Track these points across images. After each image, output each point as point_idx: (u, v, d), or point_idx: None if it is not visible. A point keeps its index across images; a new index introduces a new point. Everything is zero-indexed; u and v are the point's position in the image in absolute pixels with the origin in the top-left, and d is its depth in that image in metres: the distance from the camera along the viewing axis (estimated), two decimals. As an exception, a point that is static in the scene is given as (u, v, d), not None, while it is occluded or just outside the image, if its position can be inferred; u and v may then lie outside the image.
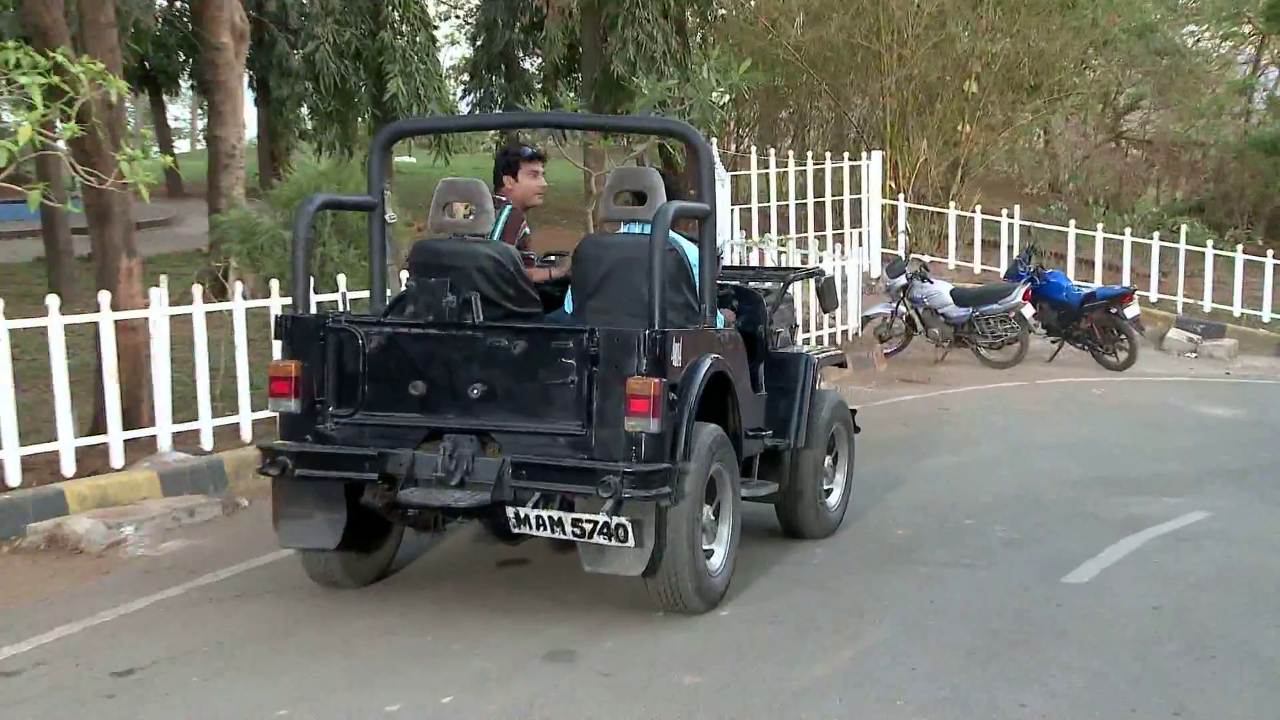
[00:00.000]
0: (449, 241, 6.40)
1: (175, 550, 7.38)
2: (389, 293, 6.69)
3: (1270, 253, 18.28)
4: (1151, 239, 18.53)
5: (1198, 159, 26.69)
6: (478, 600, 6.35)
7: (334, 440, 6.06)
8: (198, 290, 9.16)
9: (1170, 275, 18.68)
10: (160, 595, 6.50)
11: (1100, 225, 19.02)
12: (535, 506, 5.74)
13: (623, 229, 6.71)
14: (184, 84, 30.36)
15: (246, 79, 18.69)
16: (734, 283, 7.47)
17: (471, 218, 6.39)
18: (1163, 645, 5.81)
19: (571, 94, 14.45)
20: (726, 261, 13.81)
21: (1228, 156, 25.41)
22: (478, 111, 20.69)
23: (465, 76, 25.38)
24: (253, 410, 9.32)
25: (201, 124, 44.01)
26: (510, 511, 5.73)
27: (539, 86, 21.12)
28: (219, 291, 11.60)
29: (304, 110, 20.11)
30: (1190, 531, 7.92)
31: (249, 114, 24.23)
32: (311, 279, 6.82)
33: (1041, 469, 9.77)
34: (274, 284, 9.58)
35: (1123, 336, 15.35)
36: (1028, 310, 15.18)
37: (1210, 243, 18.79)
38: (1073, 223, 18.94)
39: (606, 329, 5.80)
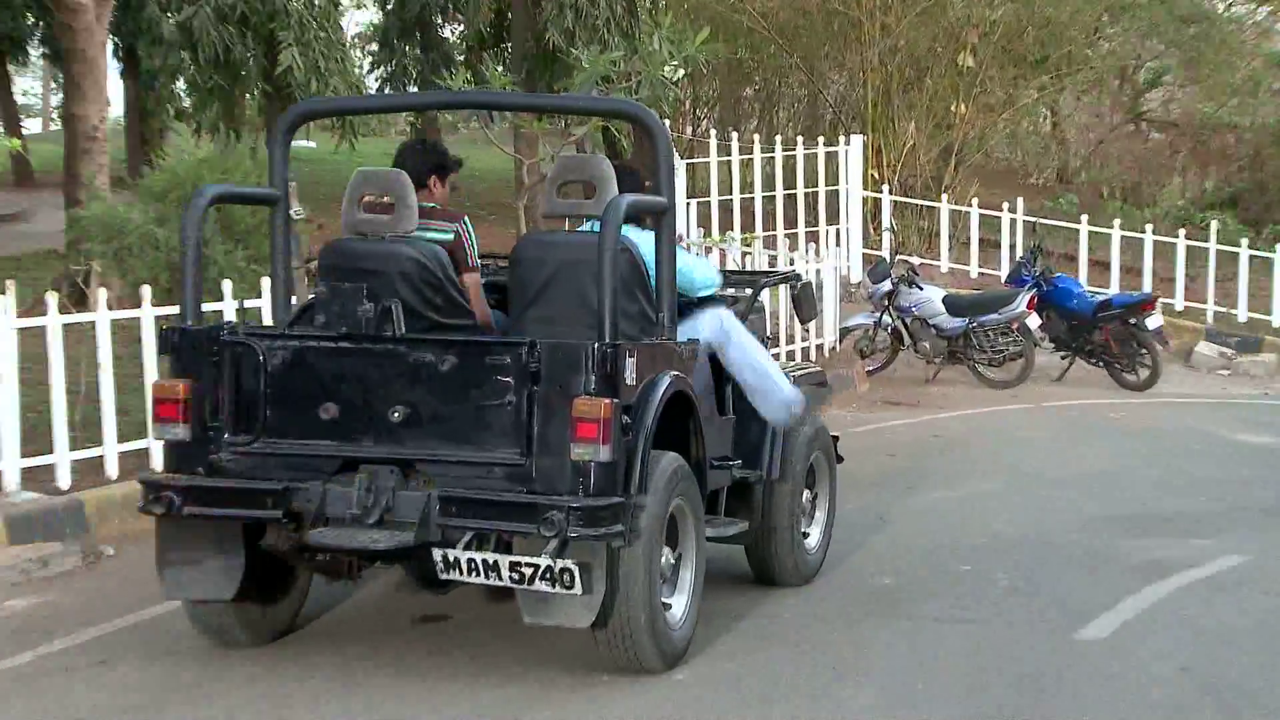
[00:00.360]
0: (365, 241, 6.44)
1: (23, 609, 7.33)
2: (294, 301, 6.76)
3: (1315, 253, 18.54)
4: (1177, 237, 18.82)
5: (1230, 144, 26.99)
6: (393, 663, 6.40)
7: (230, 472, 6.10)
8: (52, 299, 9.13)
9: (1199, 280, 18.95)
10: (4, 664, 6.45)
11: (1117, 221, 19.28)
12: (467, 548, 5.81)
13: (586, 224, 6.76)
14: (34, 52, 30.16)
15: (110, 47, 18.67)
16: None
17: (392, 214, 6.45)
18: (1192, 713, 5.91)
19: (499, 68, 14.45)
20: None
21: (1265, 140, 25.76)
22: (388, 88, 20.72)
23: (373, 46, 25.41)
24: (120, 441, 9.28)
25: (56, 100, 43.66)
26: (438, 554, 5.79)
27: (461, 59, 21.16)
28: (78, 300, 11.61)
29: (180, 85, 20.07)
30: (1223, 578, 8.03)
31: (114, 89, 24.17)
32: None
33: (1050, 506, 9.89)
34: (145, 291, 9.55)
35: (1143, 351, 15.60)
36: (1033, 321, 15.41)
37: (1245, 241, 19.07)
38: (1085, 218, 19.22)
39: (549, 342, 5.84)
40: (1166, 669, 6.43)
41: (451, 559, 5.78)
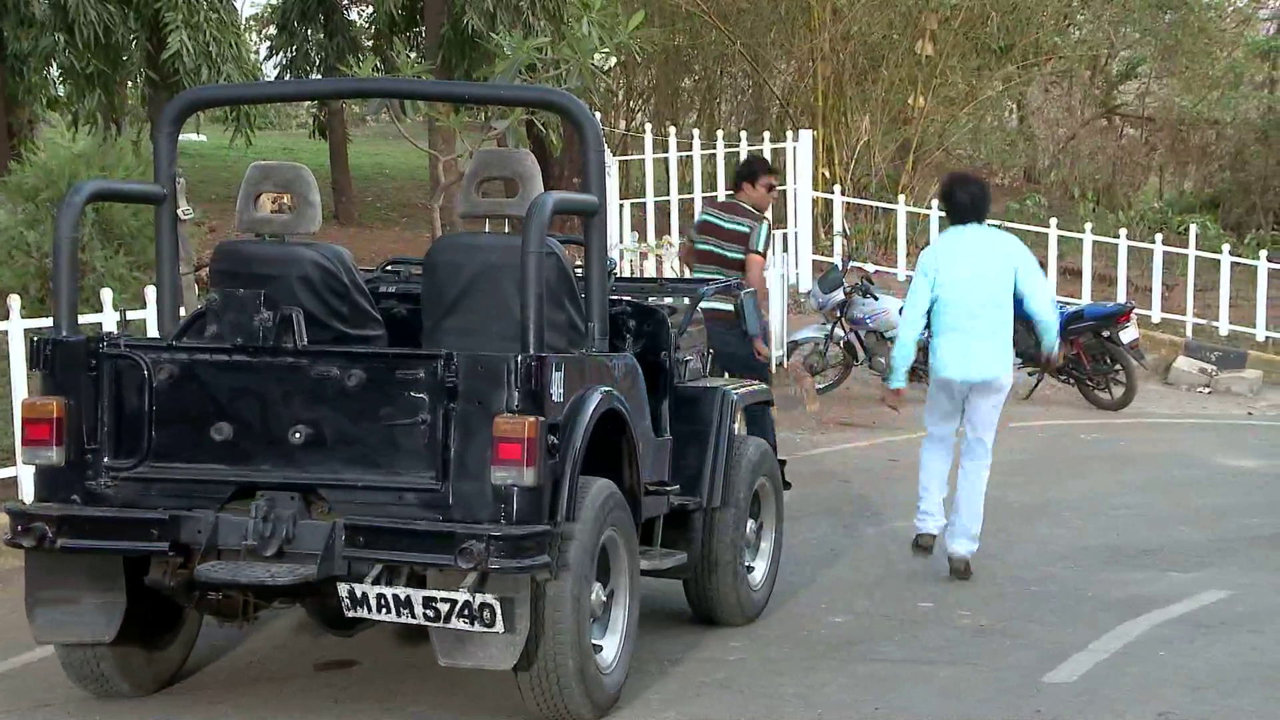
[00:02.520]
0: (263, 244, 6.43)
1: None
2: (182, 310, 6.74)
3: (1302, 260, 18.78)
4: (1153, 243, 18.98)
5: (1211, 141, 27.21)
6: (294, 714, 6.35)
7: (110, 500, 6.06)
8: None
9: (1177, 289, 19.13)
10: None
11: (1089, 225, 19.42)
12: (376, 583, 5.79)
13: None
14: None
15: (-28, 28, 18.42)
16: (630, 298, 7.56)
17: (293, 213, 6.43)
18: (1172, 761, 5.99)
19: (412, 54, 14.42)
20: (618, 272, 13.91)
21: (1248, 137, 26.02)
22: (288, 75, 20.61)
23: (271, 29, 25.25)
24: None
25: (-89, 88, 43.04)
26: (343, 590, 5.77)
27: (369, 44, 21.11)
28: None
29: (54, 71, 19.86)
30: (1206, 616, 8.10)
31: (-22, 75, 23.87)
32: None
33: (1017, 537, 9.95)
34: (14, 301, 9.47)
35: (1118, 367, 15.71)
36: (999, 334, 15.43)
37: (1227, 247, 19.27)
38: (1054, 222, 19.36)
39: (467, 354, 5.85)
40: (1144, 715, 6.47)
41: (359, 595, 5.76)
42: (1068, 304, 16.45)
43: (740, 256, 10.31)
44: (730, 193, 11.12)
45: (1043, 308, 8.90)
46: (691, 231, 11.26)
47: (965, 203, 8.78)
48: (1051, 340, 9.05)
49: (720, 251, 10.38)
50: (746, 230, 10.33)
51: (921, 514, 8.93)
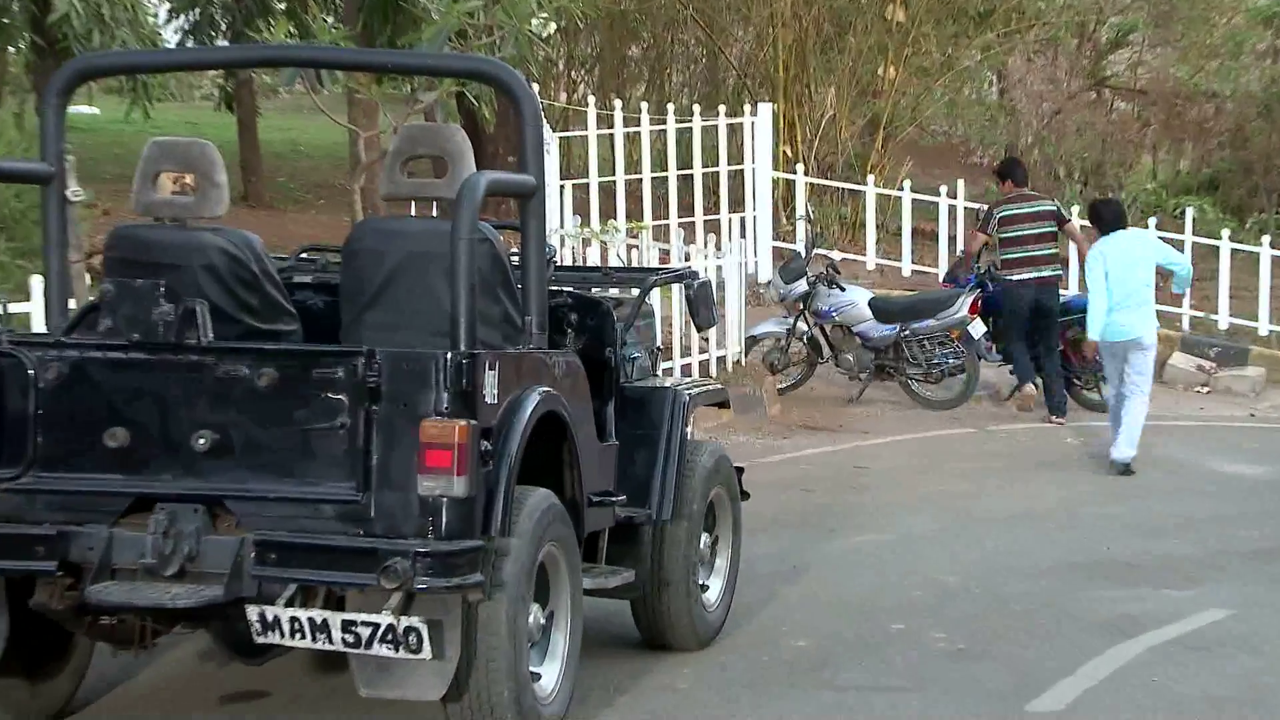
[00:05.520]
0: (163, 229, 6.40)
1: None
2: (73, 303, 6.69)
3: (1310, 246, 18.72)
4: (1146, 227, 18.94)
5: (1209, 115, 27.21)
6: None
7: (-10, 515, 6.01)
8: None
9: (1171, 278, 19.14)
10: None
11: (1076, 209, 19.45)
12: (289, 605, 5.76)
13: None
14: None
15: None
16: (571, 289, 7.55)
17: (195, 195, 6.40)
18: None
19: (329, 19, 14.28)
20: (558, 260, 13.87)
21: (1250, 112, 25.99)
22: (190, 42, 20.48)
23: (171, -9, 25.10)
24: None
25: None
26: (253, 613, 5.74)
27: (282, 7, 21.00)
28: None
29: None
30: (1203, 637, 8.14)
31: None
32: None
33: (997, 551, 9.99)
34: (-124, 293, 9.41)
35: (1108, 364, 15.79)
36: (977, 328, 15.44)
37: (1227, 233, 19.24)
38: (1039, 205, 19.38)
39: (391, 351, 5.84)
40: (1136, 747, 6.53)
41: (270, 618, 5.73)
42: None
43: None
44: None
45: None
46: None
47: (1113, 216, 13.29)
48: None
49: None
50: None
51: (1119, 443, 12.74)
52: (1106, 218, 13.29)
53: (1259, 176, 25.21)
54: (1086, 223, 14.93)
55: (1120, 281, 12.73)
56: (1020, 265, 15.00)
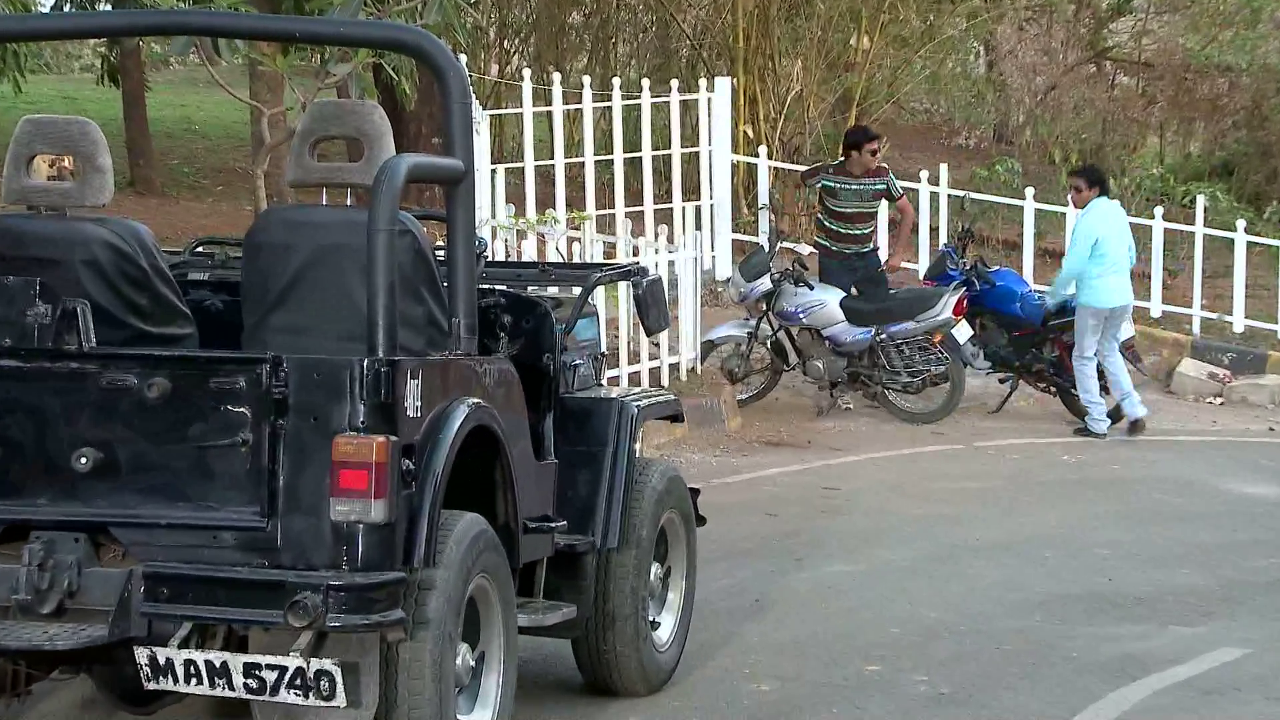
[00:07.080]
0: (38, 219, 6.36)
1: None
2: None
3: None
4: (1152, 217, 18.86)
5: (1222, 91, 27.06)
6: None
7: None
8: None
9: (1182, 275, 19.10)
10: None
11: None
12: (184, 646, 5.69)
13: None
14: None
15: None
16: (505, 288, 7.53)
17: (75, 181, 6.35)
18: None
19: (231, -20, 13.98)
20: (489, 254, 13.70)
21: (1269, 87, 25.81)
22: (69, 6, 20.23)
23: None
24: None
25: None
26: (142, 655, 5.65)
27: (175, -34, 20.81)
28: None
29: None
30: (1216, 679, 8.08)
31: None
32: None
33: (985, 583, 9.91)
34: None
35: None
36: (962, 331, 15.37)
37: (1242, 224, 19.07)
38: (1031, 192, 19.24)
39: (299, 357, 5.79)
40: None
41: (162, 661, 5.66)
42: (1048, 294, 16.07)
43: None
44: None
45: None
46: None
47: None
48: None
49: None
50: None
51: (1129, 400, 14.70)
52: (1097, 178, 15.24)
53: (1278, 160, 25.00)
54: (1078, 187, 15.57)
55: (1113, 247, 14.45)
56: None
